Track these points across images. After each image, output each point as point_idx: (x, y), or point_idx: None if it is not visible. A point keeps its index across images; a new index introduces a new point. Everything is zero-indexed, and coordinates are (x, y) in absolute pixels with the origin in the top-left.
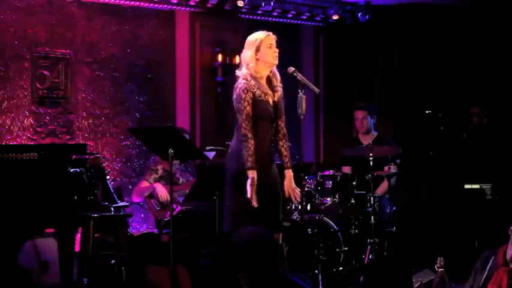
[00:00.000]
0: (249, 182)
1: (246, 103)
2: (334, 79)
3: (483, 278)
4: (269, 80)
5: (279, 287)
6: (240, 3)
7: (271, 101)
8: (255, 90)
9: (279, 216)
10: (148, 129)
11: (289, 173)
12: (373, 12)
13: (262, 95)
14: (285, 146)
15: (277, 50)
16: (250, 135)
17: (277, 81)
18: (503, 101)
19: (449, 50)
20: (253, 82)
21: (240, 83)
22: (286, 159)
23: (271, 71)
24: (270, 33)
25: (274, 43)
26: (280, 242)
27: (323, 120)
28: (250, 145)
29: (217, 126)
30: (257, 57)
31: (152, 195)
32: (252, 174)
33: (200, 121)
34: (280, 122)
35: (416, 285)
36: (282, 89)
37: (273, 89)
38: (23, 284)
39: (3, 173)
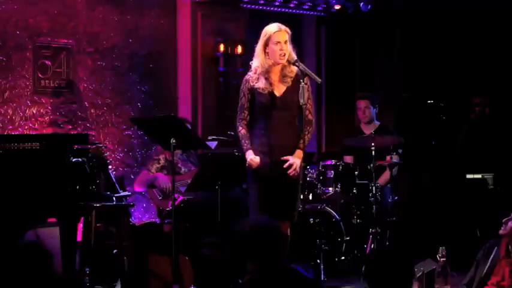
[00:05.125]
0: (248, 161)
1: (241, 94)
2: (336, 69)
3: (485, 268)
4: (281, 72)
5: (282, 276)
6: None
7: (275, 93)
8: (254, 83)
9: (291, 206)
10: (150, 119)
11: (297, 152)
12: (375, 1)
13: (261, 88)
14: (305, 132)
15: (285, 48)
16: (238, 124)
17: (291, 72)
18: (506, 91)
19: (452, 40)
20: (255, 75)
21: (246, 75)
22: (301, 141)
23: (287, 61)
24: (282, 28)
25: (284, 39)
26: (288, 233)
27: (325, 110)
28: (238, 132)
29: (219, 116)
30: (266, 52)
31: (154, 184)
32: (248, 153)
33: (202, 111)
34: (304, 110)
35: (418, 275)
36: (294, 81)
37: (282, 80)
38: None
39: (5, 162)
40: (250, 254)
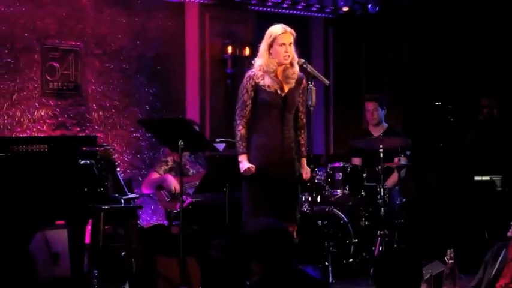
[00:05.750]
0: (240, 166)
1: (244, 90)
2: (344, 71)
3: (494, 270)
4: (284, 73)
5: (290, 277)
6: None
7: (280, 93)
8: (259, 80)
9: (293, 208)
10: (158, 121)
11: (303, 160)
12: (383, 3)
13: (267, 86)
14: (302, 136)
15: (290, 50)
16: (239, 122)
17: (294, 74)
18: None
19: (460, 41)
20: (260, 73)
21: (248, 72)
22: (303, 148)
23: (290, 63)
24: (287, 30)
25: (289, 41)
26: (295, 236)
27: (333, 112)
28: (237, 131)
29: (227, 118)
30: (270, 52)
31: (162, 186)
32: (242, 158)
33: (210, 113)
34: (300, 114)
35: (426, 277)
36: (297, 83)
37: (285, 81)
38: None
39: (14, 165)
40: (259, 255)
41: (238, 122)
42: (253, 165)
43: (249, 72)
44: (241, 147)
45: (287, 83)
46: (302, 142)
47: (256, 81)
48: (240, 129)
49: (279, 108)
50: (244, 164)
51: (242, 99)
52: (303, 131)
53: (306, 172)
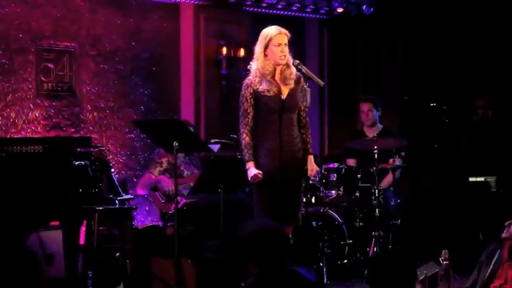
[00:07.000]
0: (248, 173)
1: (244, 99)
2: (338, 72)
3: (488, 271)
4: (282, 74)
5: (285, 278)
6: None
7: (280, 95)
8: (257, 86)
9: (296, 209)
10: (153, 121)
11: (310, 158)
12: (378, 4)
13: (265, 91)
14: (306, 134)
15: (286, 50)
16: (242, 130)
17: (292, 74)
18: (509, 94)
19: (455, 42)
20: (257, 79)
21: (246, 79)
22: (308, 146)
23: (286, 64)
24: (282, 31)
25: (284, 42)
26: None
27: (328, 113)
28: (242, 139)
29: (222, 119)
30: (266, 54)
31: (157, 187)
32: (250, 165)
33: (205, 114)
34: (301, 113)
35: (420, 278)
36: (296, 83)
37: (284, 83)
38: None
39: (8, 165)
40: (256, 255)
41: (241, 130)
42: (260, 172)
43: (246, 81)
44: (247, 154)
45: (286, 84)
46: (308, 140)
47: (254, 88)
48: (244, 137)
49: (281, 110)
50: (252, 170)
51: (243, 107)
52: (306, 128)
53: (312, 169)
